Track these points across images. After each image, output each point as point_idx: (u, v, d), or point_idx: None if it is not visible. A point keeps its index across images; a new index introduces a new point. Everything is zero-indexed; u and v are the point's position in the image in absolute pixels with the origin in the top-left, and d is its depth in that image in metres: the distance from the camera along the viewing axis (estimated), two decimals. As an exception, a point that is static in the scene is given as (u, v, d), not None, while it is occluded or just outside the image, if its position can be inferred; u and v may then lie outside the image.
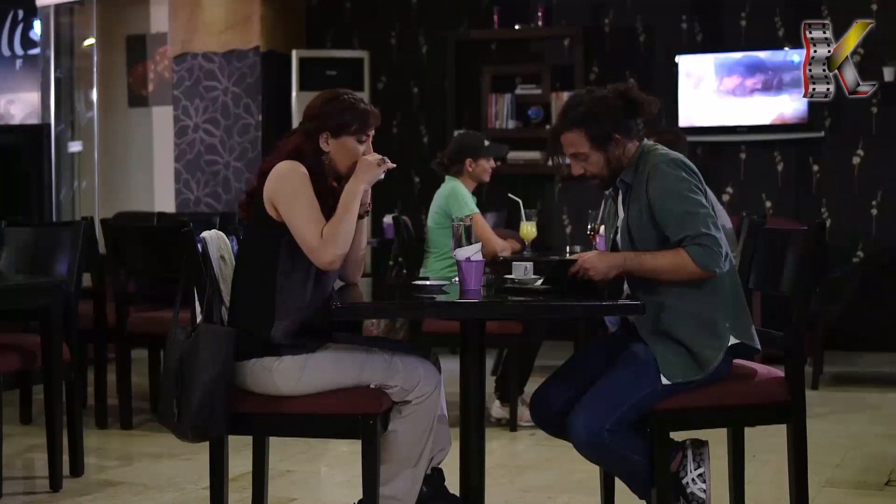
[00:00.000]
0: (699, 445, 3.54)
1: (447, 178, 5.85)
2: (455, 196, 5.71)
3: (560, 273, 3.43)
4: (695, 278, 3.37)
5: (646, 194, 3.43)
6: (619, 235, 3.55)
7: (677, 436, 3.52)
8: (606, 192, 3.65)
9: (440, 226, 5.73)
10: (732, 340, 3.42)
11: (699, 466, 3.50)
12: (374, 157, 3.50)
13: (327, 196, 3.48)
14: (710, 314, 3.41)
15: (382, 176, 3.52)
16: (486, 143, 5.87)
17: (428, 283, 3.58)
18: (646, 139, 3.59)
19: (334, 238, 3.38)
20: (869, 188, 7.99)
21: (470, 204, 5.70)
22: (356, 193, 3.46)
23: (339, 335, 3.61)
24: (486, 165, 5.84)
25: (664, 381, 3.37)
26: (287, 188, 3.42)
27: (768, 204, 8.08)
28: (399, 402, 3.45)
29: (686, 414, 3.43)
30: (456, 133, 6.05)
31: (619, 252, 3.48)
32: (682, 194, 3.38)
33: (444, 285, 3.48)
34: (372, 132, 3.57)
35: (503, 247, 5.65)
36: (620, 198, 3.57)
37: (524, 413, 5.68)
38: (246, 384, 3.44)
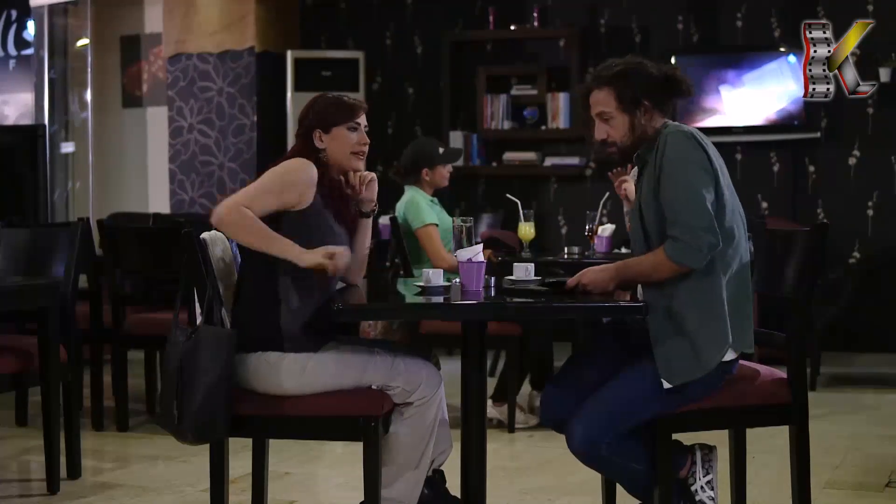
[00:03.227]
0: (708, 451, 3.52)
1: (406, 187, 5.78)
2: (412, 206, 5.65)
3: (558, 290, 3.40)
4: (675, 274, 3.30)
5: (655, 169, 3.34)
6: (633, 212, 3.50)
7: (680, 438, 3.51)
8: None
9: (410, 234, 5.67)
10: (732, 339, 3.38)
11: (708, 473, 3.48)
12: (331, 252, 3.37)
13: (333, 191, 3.55)
14: (716, 310, 3.35)
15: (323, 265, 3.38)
16: (441, 149, 5.81)
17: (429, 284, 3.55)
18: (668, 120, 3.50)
19: (239, 218, 3.34)
20: (865, 189, 7.99)
21: (427, 216, 5.60)
22: (288, 254, 3.38)
23: (341, 337, 3.60)
24: (443, 172, 5.77)
25: (665, 384, 3.33)
26: (277, 170, 3.48)
27: (764, 205, 8.08)
28: (401, 403, 3.44)
29: (688, 416, 3.41)
30: (412, 141, 6.00)
31: (612, 263, 3.44)
32: (682, 175, 3.29)
33: (445, 286, 3.46)
34: (362, 119, 3.60)
35: (451, 265, 5.48)
36: (637, 175, 3.51)
37: (520, 415, 5.67)
38: (248, 382, 3.42)
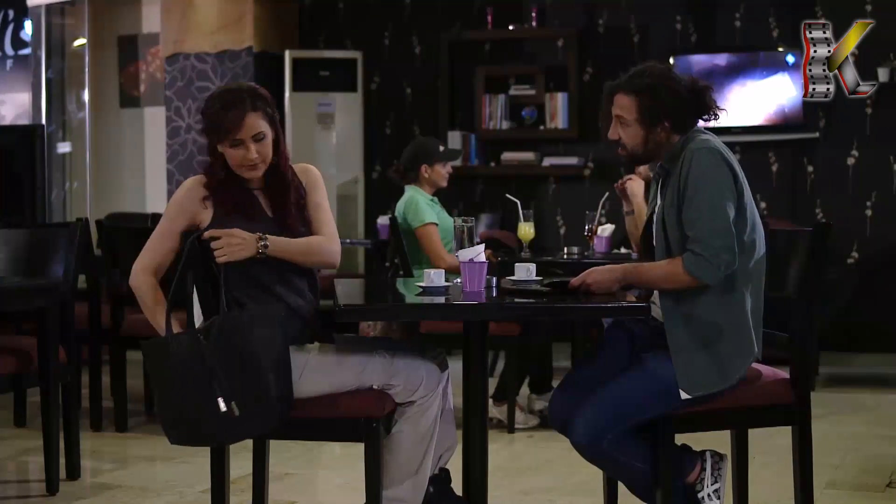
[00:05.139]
0: (719, 459, 3.50)
1: (406, 187, 5.77)
2: (412, 205, 5.64)
3: (560, 290, 3.39)
4: (688, 287, 3.30)
5: (679, 180, 3.33)
6: (654, 221, 3.49)
7: (684, 441, 3.50)
8: (652, 175, 3.59)
9: (410, 234, 5.65)
10: (756, 349, 3.38)
11: (716, 482, 3.46)
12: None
13: (237, 202, 3.46)
14: (742, 323, 3.35)
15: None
16: (441, 148, 5.81)
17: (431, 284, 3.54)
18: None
19: (137, 293, 3.47)
20: (864, 189, 7.99)
21: (426, 215, 5.58)
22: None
23: (340, 337, 3.59)
24: (442, 171, 5.76)
25: (683, 395, 3.32)
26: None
27: (763, 205, 8.08)
28: (403, 403, 3.42)
29: (691, 416, 3.40)
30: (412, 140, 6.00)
31: (619, 265, 3.43)
32: (706, 193, 3.28)
33: (446, 286, 3.45)
34: (246, 132, 3.39)
35: (449, 265, 5.41)
36: (659, 183, 3.50)
37: (520, 415, 5.67)
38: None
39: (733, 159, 3.37)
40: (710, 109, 3.44)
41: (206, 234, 3.34)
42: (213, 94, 3.48)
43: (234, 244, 3.32)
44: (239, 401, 3.19)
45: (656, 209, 3.48)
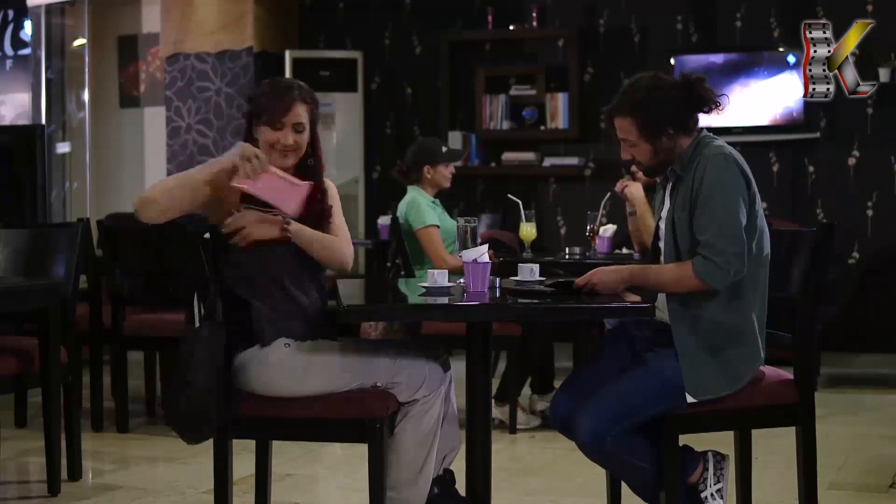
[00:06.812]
0: (721, 459, 3.51)
1: (408, 188, 5.77)
2: (413, 207, 5.63)
3: (564, 290, 3.38)
4: (696, 291, 3.31)
5: (692, 185, 3.34)
6: (662, 224, 3.48)
7: (688, 441, 3.50)
8: (657, 180, 3.59)
9: (411, 235, 5.65)
10: (762, 354, 3.39)
11: (719, 481, 3.47)
12: (255, 151, 3.35)
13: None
14: (749, 328, 3.37)
15: (243, 168, 3.31)
16: (444, 148, 5.80)
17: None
18: (704, 130, 3.50)
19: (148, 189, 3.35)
20: (865, 189, 7.98)
21: (428, 217, 5.58)
22: (211, 165, 3.40)
23: (342, 338, 3.59)
24: (445, 172, 5.75)
25: (689, 399, 3.33)
26: None
27: (764, 205, 8.04)
28: (406, 402, 3.42)
29: (695, 417, 3.40)
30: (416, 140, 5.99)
31: (625, 266, 3.43)
32: (721, 199, 3.30)
33: (449, 287, 3.44)
34: (290, 118, 3.47)
35: (451, 266, 5.38)
36: (669, 187, 3.50)
37: (521, 416, 5.66)
38: (251, 385, 3.40)
39: (746, 166, 3.38)
40: (707, 101, 3.43)
41: (228, 227, 3.37)
42: (266, 80, 3.60)
43: (258, 221, 3.36)
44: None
45: (665, 212, 3.48)
